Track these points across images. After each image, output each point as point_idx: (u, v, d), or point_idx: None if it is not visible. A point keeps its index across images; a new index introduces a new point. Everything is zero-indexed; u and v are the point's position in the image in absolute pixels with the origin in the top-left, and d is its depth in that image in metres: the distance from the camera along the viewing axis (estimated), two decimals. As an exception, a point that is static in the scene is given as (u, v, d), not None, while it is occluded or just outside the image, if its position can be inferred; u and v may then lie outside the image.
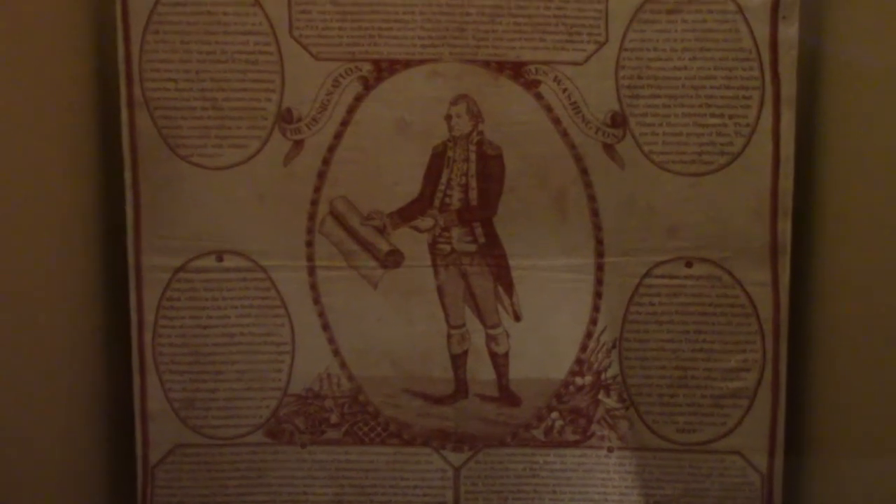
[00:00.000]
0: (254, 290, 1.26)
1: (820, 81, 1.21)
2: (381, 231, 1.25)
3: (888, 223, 1.11)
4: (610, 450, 1.28)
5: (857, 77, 1.15)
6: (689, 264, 1.24)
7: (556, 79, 1.20)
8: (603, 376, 1.27)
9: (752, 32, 1.18)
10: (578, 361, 1.26)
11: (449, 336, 1.27)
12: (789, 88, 1.18)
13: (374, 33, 1.20)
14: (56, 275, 1.18)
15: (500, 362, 1.27)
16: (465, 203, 1.24)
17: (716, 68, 1.19)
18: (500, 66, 1.21)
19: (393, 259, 1.26)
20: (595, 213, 1.23)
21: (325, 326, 1.27)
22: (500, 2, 1.19)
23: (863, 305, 1.16)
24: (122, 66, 1.21)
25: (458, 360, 1.27)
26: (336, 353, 1.27)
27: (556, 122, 1.21)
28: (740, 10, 1.18)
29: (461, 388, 1.28)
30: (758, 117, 1.19)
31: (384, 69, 1.21)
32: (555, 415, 1.28)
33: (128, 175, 1.23)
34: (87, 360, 1.25)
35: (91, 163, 1.24)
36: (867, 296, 1.15)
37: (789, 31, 1.17)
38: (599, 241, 1.24)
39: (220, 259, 1.25)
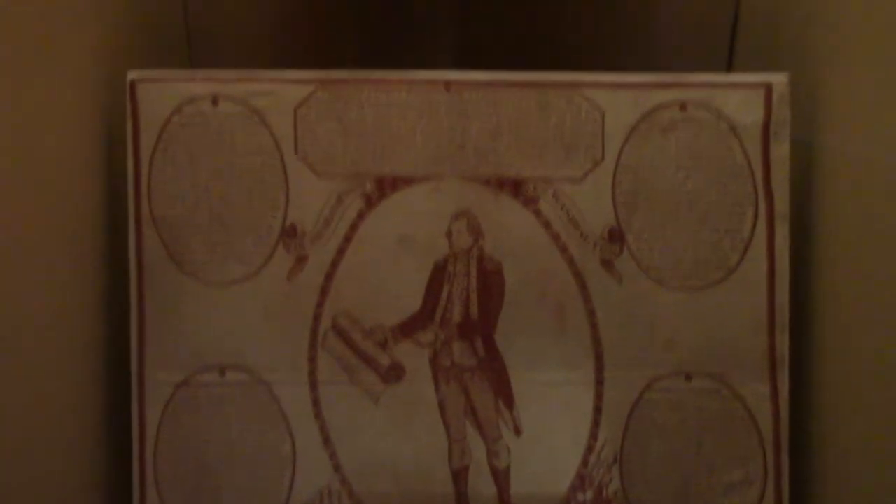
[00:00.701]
0: (256, 405, 1.26)
1: (813, 182, 1.23)
2: (383, 345, 1.26)
3: (886, 335, 1.12)
4: (613, 567, 1.27)
5: (851, 176, 1.17)
6: (688, 378, 1.24)
7: (554, 195, 1.23)
8: (605, 492, 1.26)
9: (744, 150, 1.21)
10: (580, 476, 1.26)
11: (450, 451, 1.26)
12: (782, 204, 1.21)
13: (378, 152, 1.23)
14: (60, 389, 1.19)
15: (501, 477, 1.26)
16: (465, 317, 1.25)
17: (710, 184, 1.21)
18: (500, 184, 1.23)
19: (394, 373, 1.26)
20: (594, 328, 1.24)
21: (327, 441, 1.26)
22: (500, 121, 1.22)
23: (864, 420, 1.16)
24: (131, 185, 1.24)
25: (459, 476, 1.26)
26: (337, 468, 1.27)
27: (555, 237, 1.23)
28: (733, 128, 1.21)
29: (462, 504, 1.27)
30: (752, 232, 1.22)
31: (387, 186, 1.24)
32: (557, 531, 1.27)
33: (133, 291, 1.25)
34: (87, 473, 1.25)
35: (97, 277, 1.26)
36: (868, 410, 1.15)
37: (781, 149, 1.20)
38: (599, 356, 1.24)
39: (222, 373, 1.26)
